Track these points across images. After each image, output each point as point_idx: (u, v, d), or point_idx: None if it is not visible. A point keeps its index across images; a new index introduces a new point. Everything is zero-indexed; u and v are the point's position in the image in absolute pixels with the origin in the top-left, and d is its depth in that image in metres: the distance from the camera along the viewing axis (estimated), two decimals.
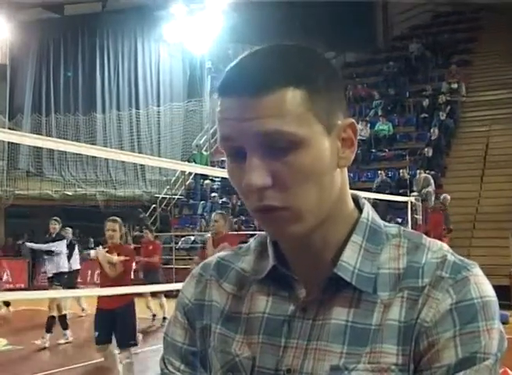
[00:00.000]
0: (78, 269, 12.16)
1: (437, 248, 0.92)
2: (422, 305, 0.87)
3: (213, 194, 20.00)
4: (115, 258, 6.60)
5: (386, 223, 0.98)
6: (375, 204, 12.95)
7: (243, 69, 0.87)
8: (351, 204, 0.96)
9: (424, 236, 0.95)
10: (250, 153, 0.85)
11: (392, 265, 0.91)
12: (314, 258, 0.93)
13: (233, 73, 0.87)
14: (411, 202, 13.87)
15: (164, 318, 11.61)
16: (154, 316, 12.11)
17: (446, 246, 0.94)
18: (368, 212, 0.96)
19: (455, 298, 0.86)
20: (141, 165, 20.52)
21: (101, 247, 7.04)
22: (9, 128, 14.52)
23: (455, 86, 20.65)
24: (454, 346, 0.84)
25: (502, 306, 1.01)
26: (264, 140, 0.84)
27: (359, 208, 0.97)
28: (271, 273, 0.96)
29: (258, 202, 0.86)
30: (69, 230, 12.05)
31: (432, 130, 18.75)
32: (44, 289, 14.54)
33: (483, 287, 0.88)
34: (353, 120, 0.91)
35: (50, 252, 10.44)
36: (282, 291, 0.95)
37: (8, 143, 15.36)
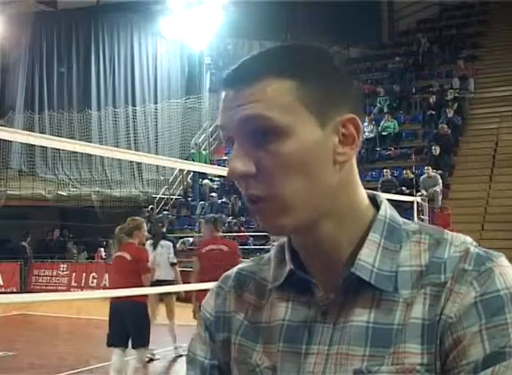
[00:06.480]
0: None
1: (460, 241, 0.92)
2: (446, 300, 0.86)
3: (212, 194, 19.57)
4: None
5: (406, 221, 0.97)
6: None
7: (239, 64, 0.91)
8: (365, 202, 0.96)
9: (447, 231, 0.94)
10: (235, 141, 0.89)
11: (414, 262, 0.91)
12: (328, 259, 0.94)
13: (232, 68, 0.92)
14: (417, 202, 13.41)
15: None
16: None
17: (469, 239, 0.93)
18: (386, 209, 0.96)
19: (479, 290, 0.85)
20: (138, 164, 20.41)
21: None
22: (0, 126, 14.41)
23: (466, 82, 20.50)
24: (481, 341, 0.83)
25: None
26: (248, 126, 0.87)
27: (377, 206, 0.97)
28: (289, 279, 0.97)
29: (245, 191, 0.89)
30: None
31: (439, 128, 18.49)
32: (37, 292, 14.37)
33: (510, 278, 0.86)
34: (354, 116, 0.91)
35: None
36: (302, 296, 0.96)
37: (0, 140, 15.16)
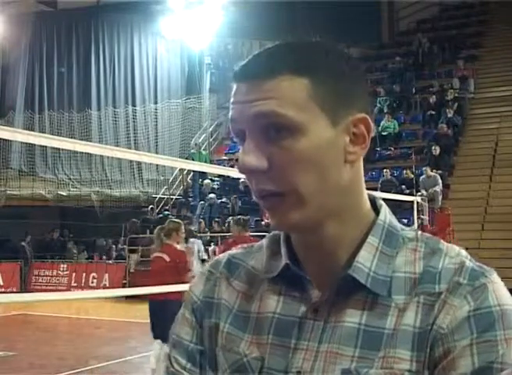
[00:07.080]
0: None
1: (455, 253, 0.93)
2: (439, 311, 0.87)
3: (210, 196, 19.42)
4: None
5: (403, 227, 0.98)
6: None
7: (253, 58, 0.92)
8: (367, 204, 0.96)
9: (442, 241, 0.96)
10: (248, 135, 0.89)
11: (408, 269, 0.92)
12: (326, 257, 0.94)
13: (246, 61, 0.92)
14: (417, 202, 13.40)
15: None
16: None
17: (464, 252, 0.94)
18: (386, 214, 0.97)
19: (473, 305, 0.86)
20: (138, 164, 20.30)
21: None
22: (0, 125, 14.35)
23: (466, 82, 20.52)
24: (471, 355, 0.84)
25: None
26: (261, 121, 0.87)
27: (376, 209, 0.97)
28: (283, 272, 0.97)
29: (256, 186, 0.89)
30: None
31: (439, 128, 18.47)
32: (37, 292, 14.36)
33: (502, 295, 0.88)
34: (366, 116, 0.92)
35: None
36: (294, 291, 0.96)
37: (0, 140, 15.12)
